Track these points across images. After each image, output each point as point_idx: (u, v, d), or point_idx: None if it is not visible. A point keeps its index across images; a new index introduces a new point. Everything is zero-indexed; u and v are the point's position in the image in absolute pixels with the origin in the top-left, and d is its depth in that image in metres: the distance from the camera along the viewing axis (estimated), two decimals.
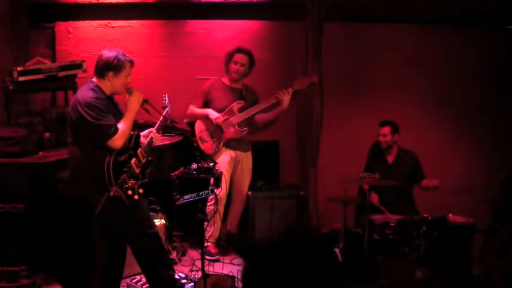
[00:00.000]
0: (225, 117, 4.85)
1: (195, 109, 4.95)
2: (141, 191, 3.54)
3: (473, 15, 5.72)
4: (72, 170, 3.62)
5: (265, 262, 1.57)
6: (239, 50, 4.89)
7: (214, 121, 4.81)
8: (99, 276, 3.64)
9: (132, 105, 3.61)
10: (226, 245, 5.13)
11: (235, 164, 4.97)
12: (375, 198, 4.96)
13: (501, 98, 5.89)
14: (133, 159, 3.55)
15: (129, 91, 3.66)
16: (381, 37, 5.88)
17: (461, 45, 5.88)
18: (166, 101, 3.99)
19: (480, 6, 5.67)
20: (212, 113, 4.84)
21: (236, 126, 4.88)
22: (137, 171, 3.56)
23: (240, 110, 4.90)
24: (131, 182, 3.47)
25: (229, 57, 4.90)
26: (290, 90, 4.85)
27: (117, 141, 3.45)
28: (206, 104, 4.95)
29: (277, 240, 1.61)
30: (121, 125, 3.52)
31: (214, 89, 4.96)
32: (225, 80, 5.00)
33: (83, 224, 3.60)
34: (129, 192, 3.45)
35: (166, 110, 3.93)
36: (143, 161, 3.62)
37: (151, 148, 3.75)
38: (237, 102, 4.92)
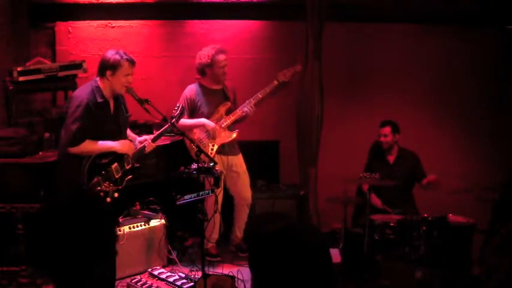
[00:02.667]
0: (214, 121, 4.79)
1: (185, 120, 4.72)
2: (116, 195, 3.56)
3: (473, 15, 5.72)
4: (60, 163, 3.68)
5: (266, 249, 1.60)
6: (220, 52, 4.77)
7: (211, 131, 4.73)
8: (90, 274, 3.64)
9: (120, 146, 3.67)
10: (236, 249, 5.10)
11: (228, 169, 4.90)
12: (376, 200, 4.96)
13: (501, 98, 5.88)
14: (115, 164, 3.58)
15: (129, 91, 3.67)
16: (381, 37, 5.87)
17: (461, 45, 5.87)
18: (177, 112, 3.91)
19: (480, 6, 5.67)
20: (208, 123, 4.74)
21: (227, 130, 4.83)
22: (116, 176, 3.59)
23: (228, 112, 4.85)
24: (105, 185, 3.49)
25: (213, 62, 4.75)
26: (275, 82, 4.86)
27: (74, 150, 3.52)
28: (192, 112, 4.85)
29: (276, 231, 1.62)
30: (93, 143, 3.55)
31: (197, 95, 4.85)
32: (205, 83, 4.88)
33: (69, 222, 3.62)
34: (101, 194, 3.47)
35: (173, 121, 3.85)
36: (127, 167, 3.64)
37: (141, 155, 3.77)
38: (223, 104, 4.86)
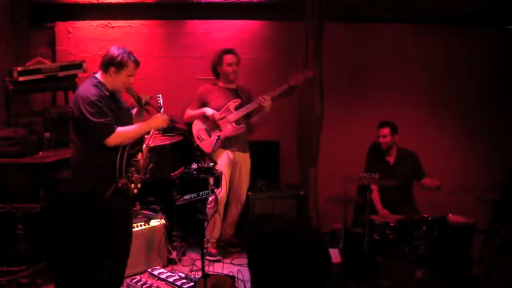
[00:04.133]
0: (222, 115, 4.87)
1: (191, 111, 4.98)
2: (139, 185, 3.55)
3: (473, 15, 5.72)
4: (76, 166, 3.60)
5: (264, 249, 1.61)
6: (227, 52, 4.92)
7: (210, 117, 4.82)
8: (98, 272, 3.63)
9: (153, 122, 3.67)
10: (226, 245, 5.13)
11: (233, 166, 4.96)
12: (377, 202, 4.96)
13: (501, 98, 5.88)
14: (140, 154, 3.59)
15: (128, 91, 3.67)
16: (381, 37, 5.87)
17: (461, 45, 5.87)
18: (161, 102, 3.99)
19: (480, 6, 5.67)
20: (209, 110, 4.86)
21: (233, 124, 4.89)
22: (140, 166, 3.59)
23: (237, 108, 4.93)
24: (135, 176, 3.50)
25: (219, 61, 4.93)
26: (285, 86, 4.93)
27: (112, 140, 3.46)
28: (202, 107, 4.95)
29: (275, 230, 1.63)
30: (126, 128, 3.54)
31: (209, 91, 4.98)
32: (219, 83, 5.03)
33: (83, 220, 3.59)
34: (132, 185, 3.47)
35: (161, 111, 3.92)
36: (145, 157, 3.66)
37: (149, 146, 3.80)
38: (234, 100, 4.94)
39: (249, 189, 5.15)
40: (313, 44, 5.43)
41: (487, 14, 5.72)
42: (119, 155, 3.41)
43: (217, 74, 5.02)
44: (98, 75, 3.62)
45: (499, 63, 5.87)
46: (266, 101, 4.87)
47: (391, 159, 5.15)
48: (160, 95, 4.00)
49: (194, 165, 3.78)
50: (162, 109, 3.95)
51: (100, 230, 3.49)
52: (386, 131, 5.06)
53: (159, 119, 3.70)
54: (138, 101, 3.72)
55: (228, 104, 4.91)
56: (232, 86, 5.03)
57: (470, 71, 5.91)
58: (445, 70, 5.94)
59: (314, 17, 5.39)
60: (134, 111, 3.83)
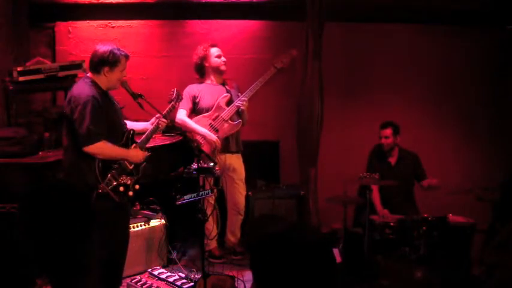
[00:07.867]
0: (215, 114, 4.78)
1: (188, 122, 4.76)
2: (136, 186, 3.52)
3: (473, 15, 5.72)
4: (67, 168, 3.59)
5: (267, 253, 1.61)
6: (212, 45, 4.85)
7: (212, 144, 4.67)
8: (94, 274, 3.63)
9: (132, 155, 3.59)
10: (229, 253, 5.06)
11: (223, 169, 4.74)
12: (378, 203, 4.96)
13: (501, 98, 5.89)
14: None
15: (123, 85, 3.65)
16: (381, 37, 5.88)
17: (461, 45, 5.87)
18: (174, 95, 3.96)
19: (480, 6, 5.67)
20: (210, 135, 4.70)
21: (229, 121, 4.79)
22: (130, 167, 3.56)
23: (228, 104, 4.82)
24: (122, 179, 3.47)
25: (206, 55, 4.82)
26: (273, 69, 4.85)
27: (91, 149, 3.39)
28: (193, 107, 4.85)
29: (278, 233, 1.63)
30: (110, 145, 3.47)
31: (198, 89, 4.86)
32: (205, 81, 4.91)
33: (79, 219, 3.60)
34: (121, 188, 3.44)
35: (171, 104, 3.91)
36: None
37: (153, 135, 3.77)
38: (223, 96, 4.83)
39: (248, 190, 5.08)
40: (313, 44, 5.42)
41: (487, 14, 5.72)
42: (96, 161, 3.40)
43: (202, 73, 4.89)
44: (89, 75, 3.58)
45: (499, 63, 5.87)
46: (259, 85, 4.80)
47: (392, 160, 5.15)
48: (175, 89, 3.97)
49: (194, 165, 3.77)
50: (177, 100, 3.93)
51: (90, 232, 3.51)
52: (388, 131, 5.06)
53: (138, 155, 3.62)
54: (132, 95, 3.70)
55: (218, 101, 4.79)
56: (220, 81, 4.91)
57: (470, 71, 5.92)
58: (445, 70, 5.94)
59: (314, 17, 5.38)
60: None
